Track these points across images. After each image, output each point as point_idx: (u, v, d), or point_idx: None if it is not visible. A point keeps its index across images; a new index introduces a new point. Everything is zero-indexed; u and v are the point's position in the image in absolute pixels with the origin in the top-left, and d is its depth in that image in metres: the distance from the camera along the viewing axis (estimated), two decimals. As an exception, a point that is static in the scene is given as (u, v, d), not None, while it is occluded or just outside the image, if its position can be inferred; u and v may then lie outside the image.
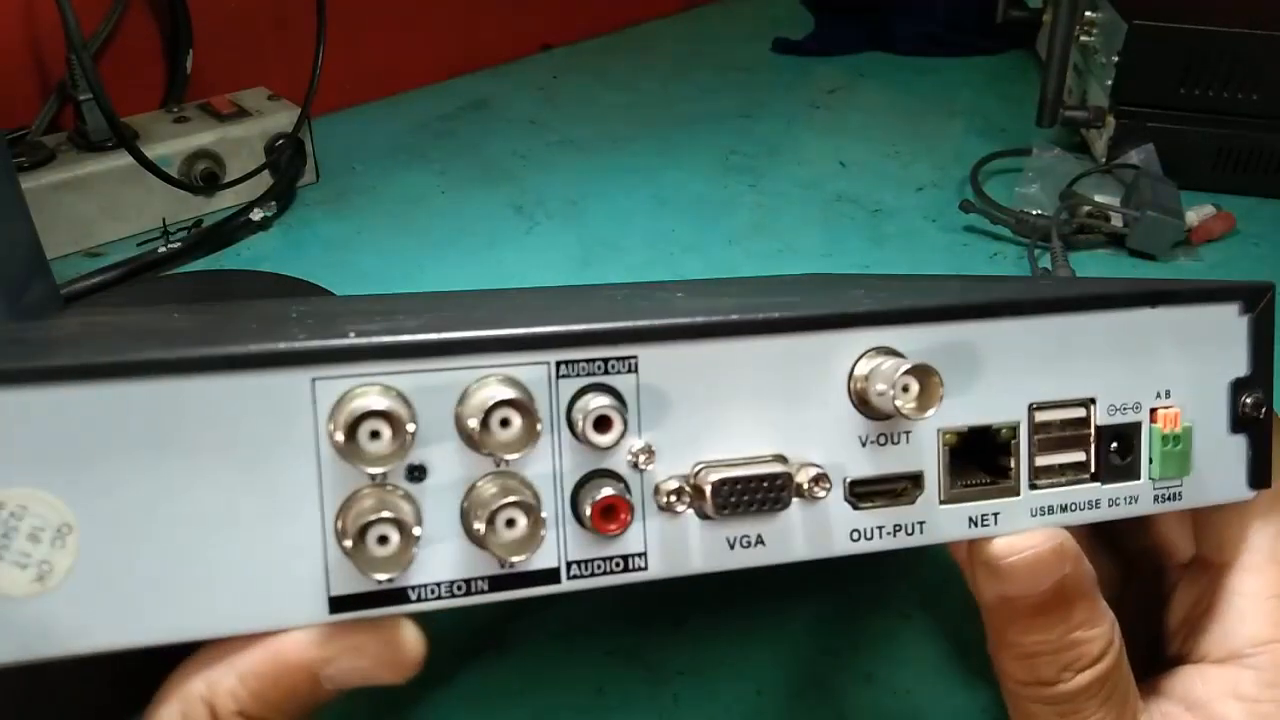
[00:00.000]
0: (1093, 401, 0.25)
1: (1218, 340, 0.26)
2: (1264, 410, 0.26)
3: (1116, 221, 0.67)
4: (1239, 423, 0.26)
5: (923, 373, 0.22)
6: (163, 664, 0.21)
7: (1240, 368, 0.26)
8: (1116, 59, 0.73)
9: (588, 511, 0.21)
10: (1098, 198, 0.69)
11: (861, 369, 0.23)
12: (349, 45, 0.79)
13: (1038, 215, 0.67)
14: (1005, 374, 0.24)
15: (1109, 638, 0.24)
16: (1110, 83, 0.74)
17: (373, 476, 0.20)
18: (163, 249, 0.61)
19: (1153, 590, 0.29)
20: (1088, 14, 0.77)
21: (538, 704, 0.37)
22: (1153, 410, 0.25)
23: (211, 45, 0.74)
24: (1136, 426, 0.25)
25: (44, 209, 0.58)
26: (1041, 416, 0.25)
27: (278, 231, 0.67)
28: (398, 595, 0.21)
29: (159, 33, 0.73)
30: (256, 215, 0.65)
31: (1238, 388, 0.26)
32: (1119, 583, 0.30)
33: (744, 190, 0.75)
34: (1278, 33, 0.70)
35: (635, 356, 0.21)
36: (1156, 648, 0.29)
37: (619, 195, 0.73)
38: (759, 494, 0.22)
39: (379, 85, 0.86)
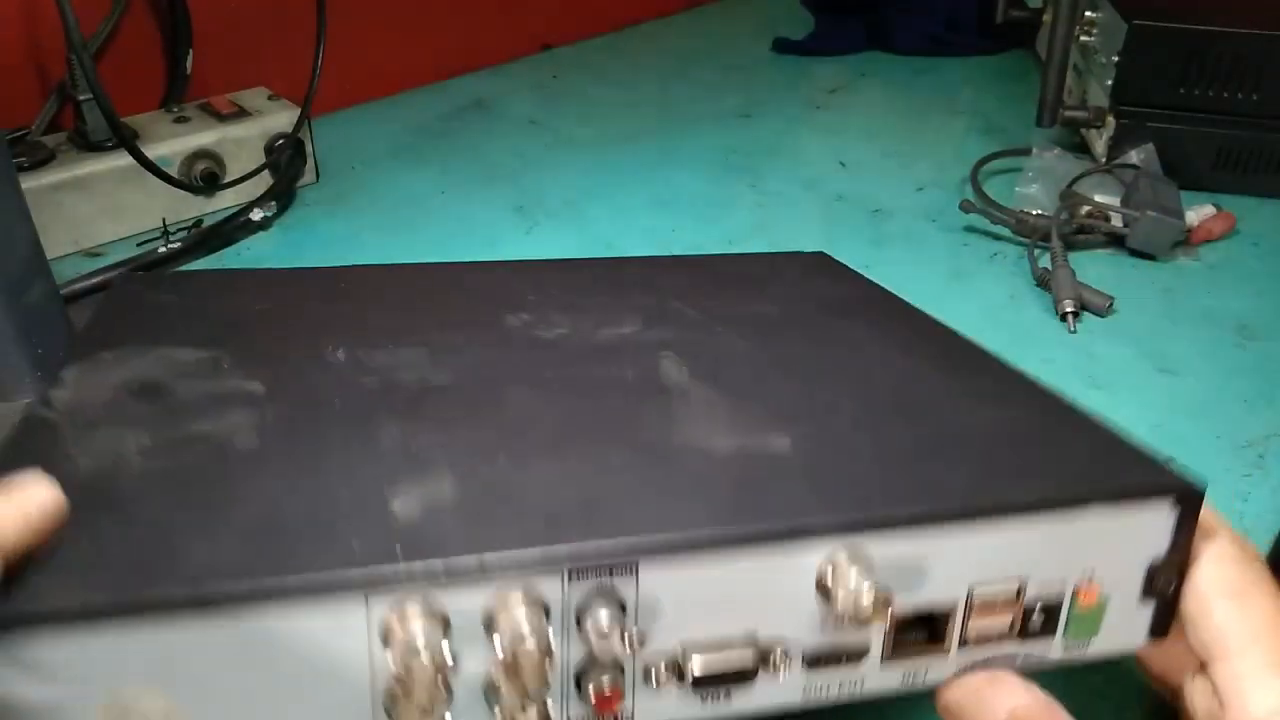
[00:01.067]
0: (1025, 583, 0.28)
1: (1145, 529, 0.28)
2: (1173, 587, 0.29)
3: (1116, 221, 0.67)
4: (1149, 593, 0.29)
5: (877, 592, 0.25)
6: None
7: (1160, 551, 0.29)
8: (1116, 59, 0.73)
9: (590, 695, 0.25)
10: (1098, 198, 0.69)
11: (825, 571, 0.26)
12: (349, 45, 0.79)
13: (1038, 215, 0.67)
14: (951, 566, 0.27)
15: None
16: (1110, 83, 0.74)
17: (416, 671, 0.23)
18: (163, 249, 0.61)
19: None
20: (1088, 14, 0.77)
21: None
22: (1076, 588, 0.28)
23: (211, 45, 0.74)
24: (1059, 601, 0.28)
25: (44, 209, 0.58)
26: (978, 597, 0.28)
27: (278, 231, 0.67)
28: None
29: (159, 33, 0.73)
30: (256, 215, 0.65)
31: (1154, 568, 0.29)
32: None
33: (744, 190, 0.75)
34: (1278, 33, 0.70)
35: (636, 561, 0.25)
36: None
37: (619, 195, 0.73)
38: (731, 678, 0.26)
39: (379, 85, 0.86)
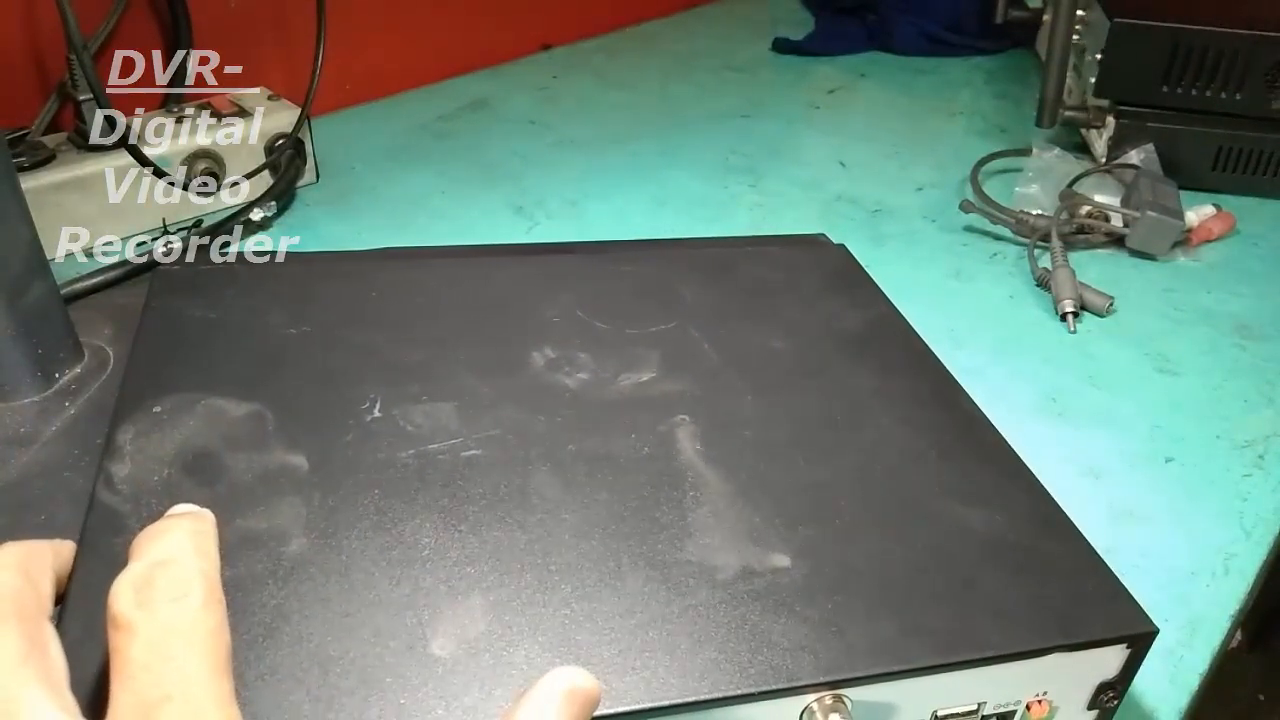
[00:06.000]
0: (983, 704, 0.32)
1: (1099, 662, 0.32)
2: (1115, 700, 0.33)
3: (1116, 221, 0.67)
4: (1094, 706, 0.33)
5: None
6: None
7: (1109, 675, 0.33)
8: (1100, 56, 0.73)
9: None
10: (1098, 198, 0.69)
11: (807, 709, 0.30)
12: (349, 45, 0.79)
13: (1038, 215, 0.67)
14: (919, 700, 0.31)
15: None
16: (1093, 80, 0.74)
17: None
18: (162, 249, 0.61)
19: None
20: (1081, 13, 0.77)
21: None
22: (1028, 703, 0.32)
23: (211, 45, 0.74)
24: (1012, 714, 0.32)
25: (44, 209, 0.58)
26: (940, 713, 0.31)
27: (278, 231, 0.67)
28: None
29: (159, 33, 0.73)
30: (256, 215, 0.65)
31: (1102, 687, 0.33)
32: None
33: (744, 190, 0.75)
34: (1256, 32, 0.70)
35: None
36: None
37: (619, 195, 0.73)
38: None
39: (379, 85, 0.86)
